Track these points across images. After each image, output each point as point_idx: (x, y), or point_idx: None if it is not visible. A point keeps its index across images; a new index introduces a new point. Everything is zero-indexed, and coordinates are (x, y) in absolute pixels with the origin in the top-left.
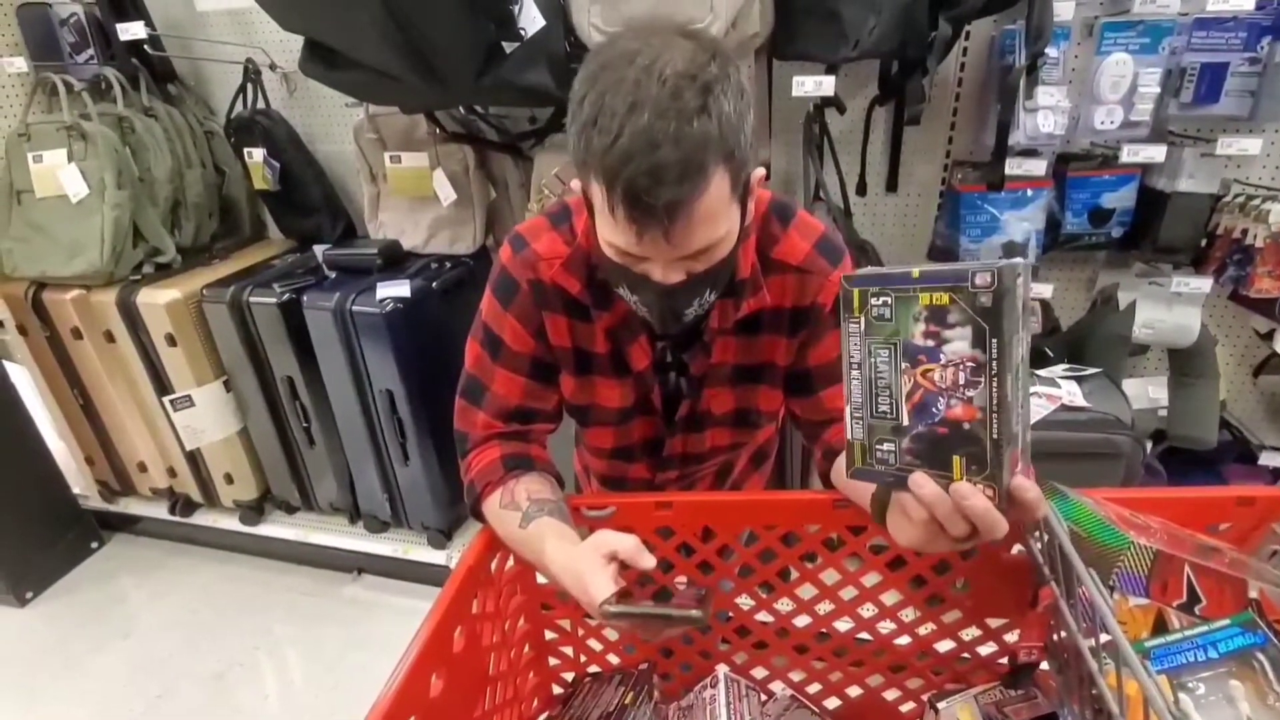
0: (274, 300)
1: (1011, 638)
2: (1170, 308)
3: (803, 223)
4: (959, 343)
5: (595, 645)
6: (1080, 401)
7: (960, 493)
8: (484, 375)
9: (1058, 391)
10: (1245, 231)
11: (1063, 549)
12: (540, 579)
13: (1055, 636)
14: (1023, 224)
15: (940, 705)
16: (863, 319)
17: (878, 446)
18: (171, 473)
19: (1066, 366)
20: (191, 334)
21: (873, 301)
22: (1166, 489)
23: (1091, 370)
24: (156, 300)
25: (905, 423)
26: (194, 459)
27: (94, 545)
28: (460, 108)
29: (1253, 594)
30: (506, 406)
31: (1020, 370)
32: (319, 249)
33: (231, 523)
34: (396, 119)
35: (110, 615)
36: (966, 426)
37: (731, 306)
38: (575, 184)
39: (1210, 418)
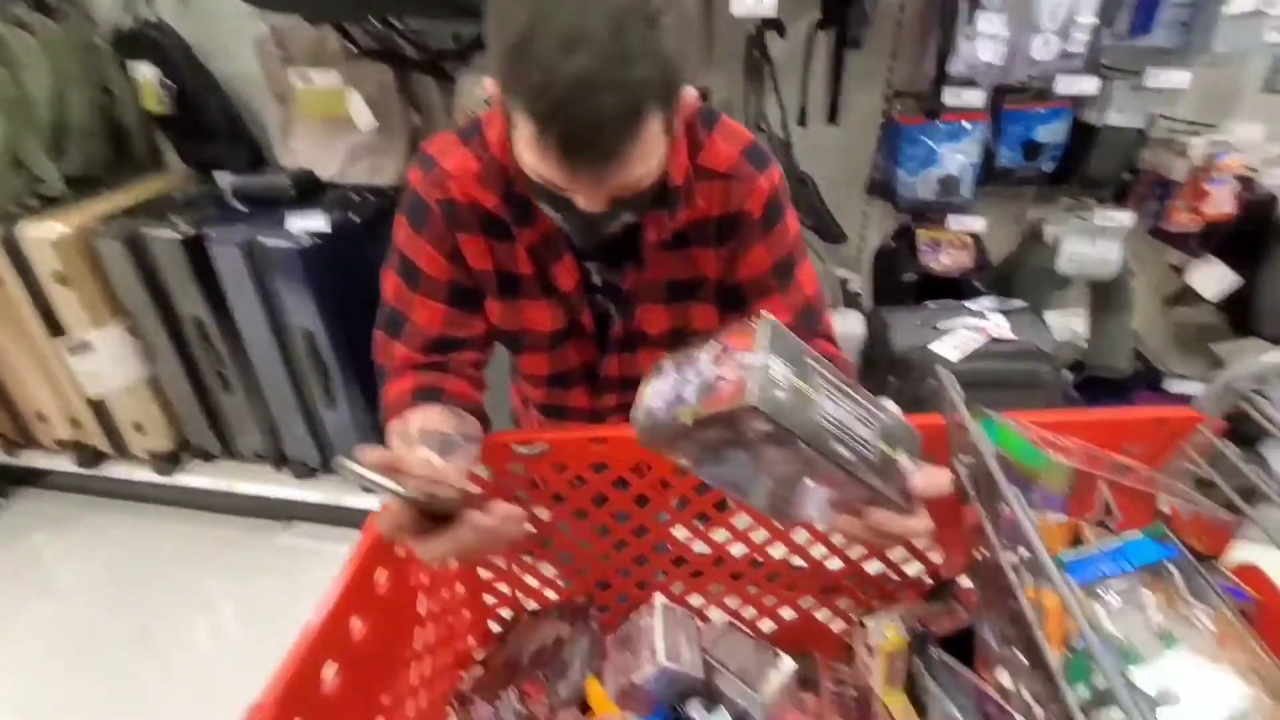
0: (176, 235)
1: (936, 557)
2: (1094, 242)
3: (727, 128)
4: (772, 449)
5: (532, 582)
6: (1007, 334)
7: (877, 525)
8: (403, 305)
9: (986, 324)
10: (1168, 166)
11: (989, 468)
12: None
13: (977, 554)
14: (958, 157)
15: (868, 622)
16: (690, 461)
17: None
18: (75, 423)
19: (995, 299)
20: (84, 272)
21: (680, 461)
22: (1084, 411)
23: (1018, 304)
24: (43, 235)
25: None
26: (99, 408)
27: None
28: (373, 19)
29: (1163, 508)
30: (427, 337)
31: (841, 426)
32: (223, 179)
33: (146, 474)
34: (304, 32)
35: (23, 574)
36: (839, 492)
37: (667, 218)
38: (489, 85)
39: (1125, 348)
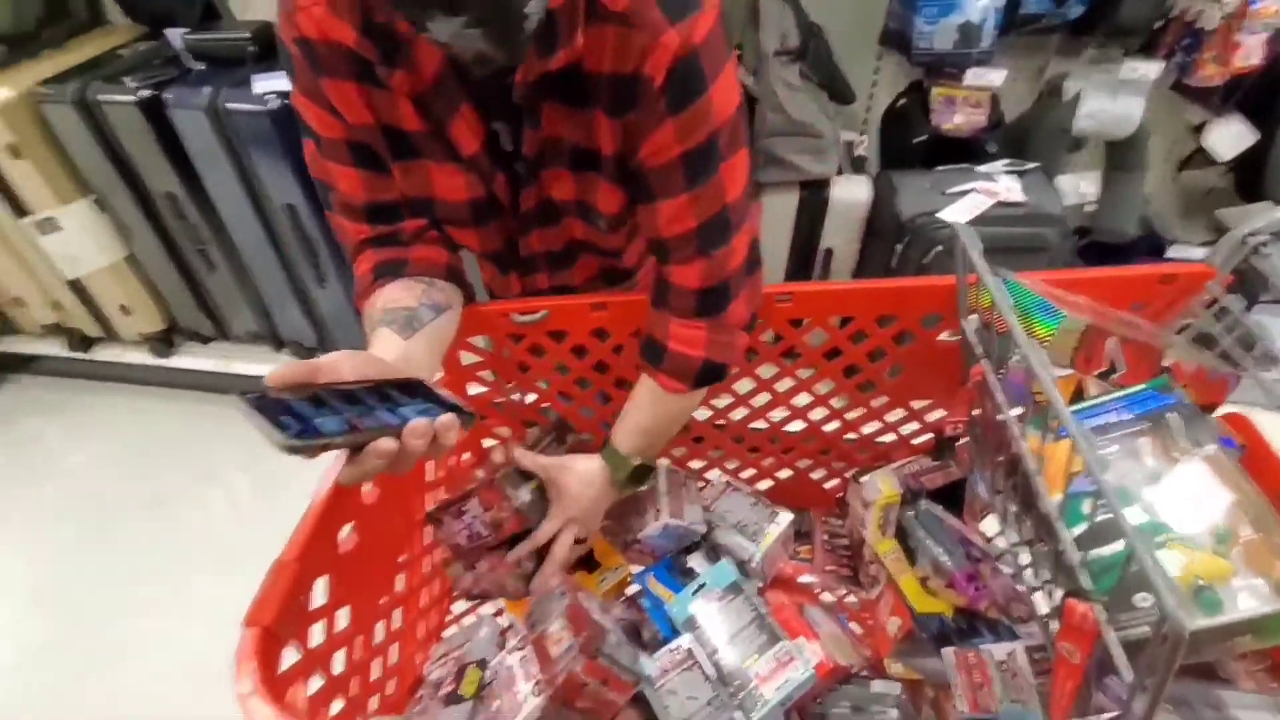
0: (130, 98)
1: (932, 417)
2: (1115, 97)
3: None
4: None
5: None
6: (1018, 197)
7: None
8: (321, 174)
9: (996, 187)
10: (1200, 13)
11: (1007, 319)
12: (474, 389)
13: (976, 411)
14: (980, 2)
15: (863, 479)
16: None
17: None
18: (57, 306)
19: (1007, 162)
20: (38, 143)
21: None
22: (1096, 269)
23: (1030, 165)
24: None
25: None
26: (79, 290)
27: None
28: None
29: (1166, 362)
30: (354, 205)
31: None
32: (175, 34)
33: (140, 356)
34: None
35: (26, 456)
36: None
37: (536, 53)
38: None
39: (1134, 210)
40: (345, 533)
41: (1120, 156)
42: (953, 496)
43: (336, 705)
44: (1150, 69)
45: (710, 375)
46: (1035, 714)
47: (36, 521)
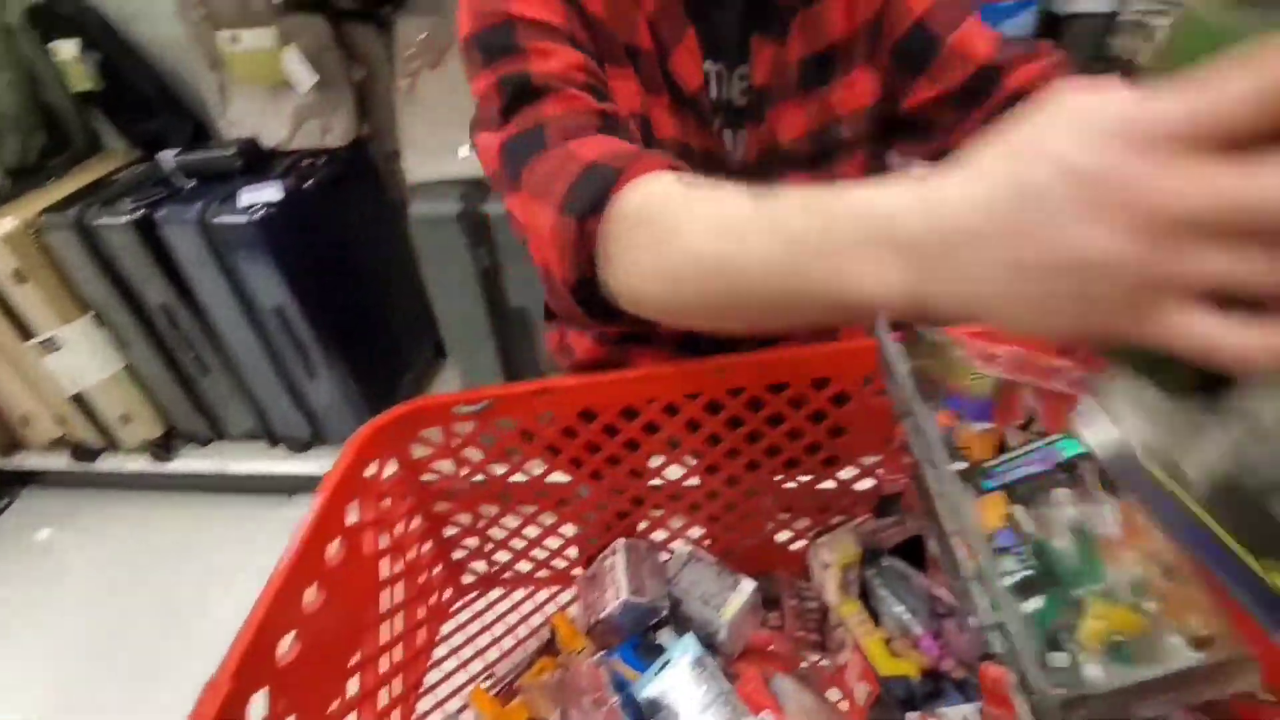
0: (124, 219)
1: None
2: None
3: None
4: None
5: (498, 534)
6: None
7: None
8: (514, 64)
9: None
10: (1136, 52)
11: (898, 386)
12: (426, 477)
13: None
14: None
15: (821, 539)
16: None
17: None
18: (61, 420)
19: None
20: (41, 267)
21: None
22: None
23: None
24: None
25: None
26: (81, 403)
27: (1, 503)
28: None
29: None
30: (574, 63)
31: None
32: (166, 155)
33: (143, 463)
34: None
35: (40, 566)
36: None
37: None
38: None
39: None
40: (286, 643)
41: None
42: (918, 552)
43: None
44: None
45: None
46: None
47: (50, 625)
